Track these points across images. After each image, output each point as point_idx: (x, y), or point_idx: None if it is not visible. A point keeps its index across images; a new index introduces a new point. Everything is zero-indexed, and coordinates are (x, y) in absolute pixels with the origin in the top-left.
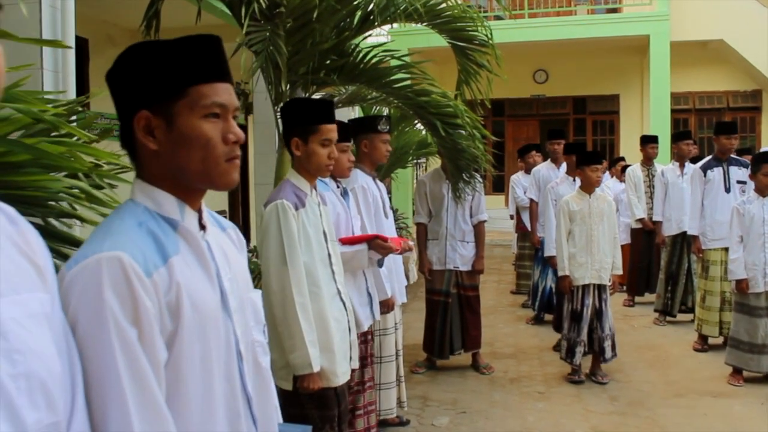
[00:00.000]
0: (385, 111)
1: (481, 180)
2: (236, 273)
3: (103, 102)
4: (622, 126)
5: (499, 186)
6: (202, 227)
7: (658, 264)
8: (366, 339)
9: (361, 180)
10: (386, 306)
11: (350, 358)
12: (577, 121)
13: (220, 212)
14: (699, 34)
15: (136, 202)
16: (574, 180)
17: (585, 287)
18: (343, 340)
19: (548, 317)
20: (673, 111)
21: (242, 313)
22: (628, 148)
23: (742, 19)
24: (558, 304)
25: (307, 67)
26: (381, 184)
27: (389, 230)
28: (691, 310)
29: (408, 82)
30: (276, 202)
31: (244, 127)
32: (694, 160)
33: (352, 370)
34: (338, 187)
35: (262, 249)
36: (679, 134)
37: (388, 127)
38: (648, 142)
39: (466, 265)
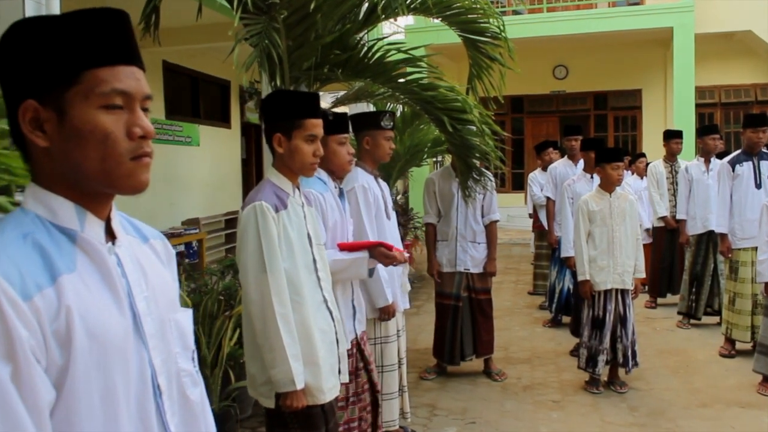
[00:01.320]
0: (398, 108)
1: (491, 178)
2: (156, 291)
3: None
4: (644, 122)
5: (518, 184)
6: (112, 238)
7: (681, 264)
8: (351, 353)
9: (361, 179)
10: (387, 313)
11: (339, 371)
12: (598, 117)
13: (232, 214)
14: (725, 26)
15: (26, 210)
16: (592, 177)
17: (607, 292)
18: (330, 352)
19: (566, 319)
20: (697, 105)
21: (162, 338)
22: (651, 144)
23: None
24: (575, 308)
25: (310, 62)
26: (384, 184)
27: (391, 234)
28: (717, 313)
29: (414, 77)
30: (254, 204)
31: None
32: (720, 156)
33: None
34: (336, 187)
35: (240, 255)
36: (705, 128)
37: (391, 124)
38: (672, 137)
39: (478, 267)
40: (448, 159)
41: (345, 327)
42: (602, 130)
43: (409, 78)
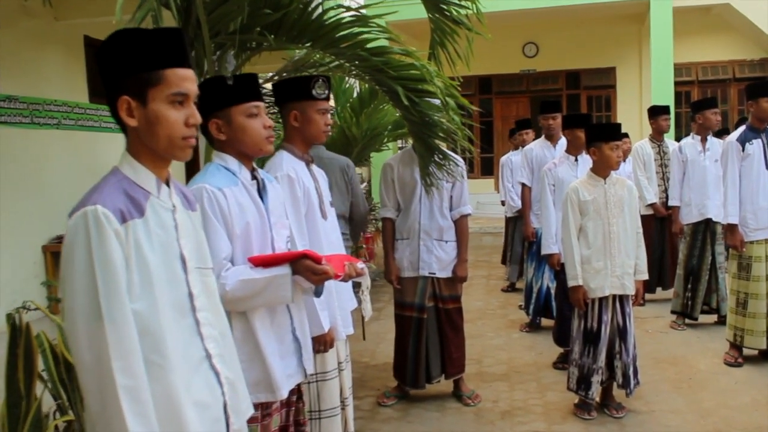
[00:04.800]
0: (354, 86)
1: (460, 163)
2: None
3: (16, 84)
4: (619, 101)
5: (487, 168)
6: None
7: (672, 256)
8: (289, 401)
9: (287, 166)
10: (322, 344)
11: None
12: (571, 96)
13: None
14: None
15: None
16: (576, 160)
17: (602, 300)
18: None
19: (545, 322)
20: (674, 83)
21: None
22: (626, 124)
23: None
24: (559, 312)
25: (236, 24)
26: (319, 172)
27: (327, 238)
28: (715, 311)
29: (362, 38)
30: (85, 210)
31: None
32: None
33: None
34: (253, 178)
35: (62, 292)
36: (703, 102)
37: (326, 92)
38: (659, 113)
39: (445, 271)
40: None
41: (281, 372)
42: (575, 110)
43: (354, 41)
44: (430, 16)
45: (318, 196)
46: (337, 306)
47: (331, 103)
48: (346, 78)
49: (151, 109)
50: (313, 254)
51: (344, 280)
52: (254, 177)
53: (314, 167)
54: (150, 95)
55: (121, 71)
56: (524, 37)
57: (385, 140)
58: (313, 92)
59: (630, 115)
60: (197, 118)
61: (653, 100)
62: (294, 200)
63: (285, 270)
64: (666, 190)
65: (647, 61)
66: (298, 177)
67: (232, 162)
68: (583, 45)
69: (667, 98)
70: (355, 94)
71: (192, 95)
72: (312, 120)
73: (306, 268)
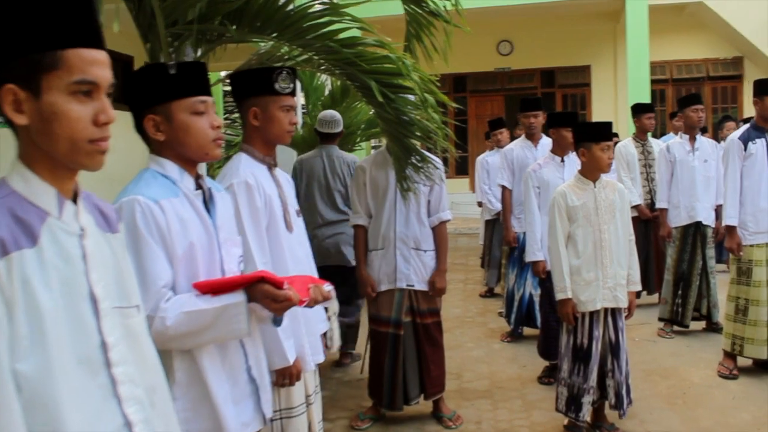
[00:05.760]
0: (326, 83)
1: (439, 165)
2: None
3: None
4: (594, 100)
5: (462, 168)
6: None
7: (657, 259)
8: None
9: (245, 171)
10: (287, 377)
11: None
12: (546, 95)
13: None
14: None
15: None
16: (562, 161)
17: (593, 313)
18: None
19: (527, 331)
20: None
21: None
22: None
23: None
24: (544, 322)
25: (194, 12)
26: (284, 177)
27: (293, 256)
28: (705, 318)
29: (331, 27)
30: None
31: None
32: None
33: None
34: (198, 187)
35: None
36: (686, 98)
37: (291, 86)
38: (642, 111)
39: (424, 283)
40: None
41: (234, 421)
42: (550, 109)
43: (323, 31)
44: (406, 7)
45: (282, 204)
46: (305, 332)
47: (301, 99)
48: (318, 74)
49: (46, 101)
50: (272, 277)
51: (309, 305)
52: (199, 186)
53: (279, 171)
54: (44, 83)
55: (2, 52)
56: (499, 35)
57: (359, 140)
58: (276, 86)
59: (605, 113)
60: (110, 115)
61: (630, 99)
62: (253, 211)
63: (239, 297)
64: (650, 191)
65: (622, 59)
66: (258, 183)
67: (172, 168)
68: (558, 43)
69: (644, 96)
70: (327, 92)
71: (104, 84)
72: (274, 118)
73: (264, 294)
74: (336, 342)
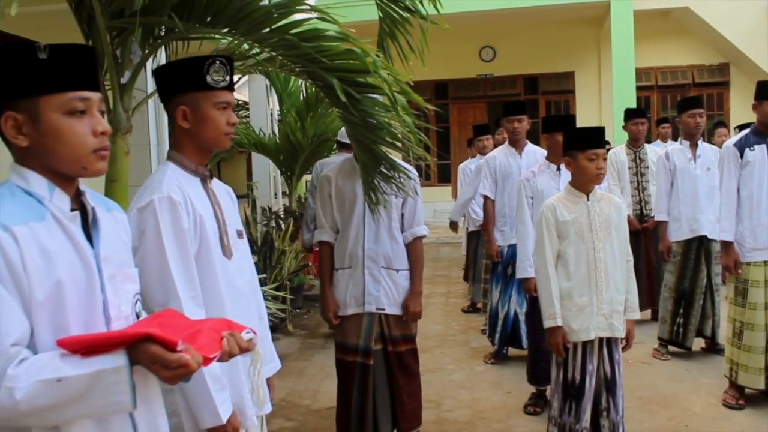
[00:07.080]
0: (301, 88)
1: (412, 175)
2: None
3: None
4: (578, 106)
5: (444, 176)
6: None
7: (648, 273)
8: None
9: (168, 185)
10: None
11: None
12: (529, 102)
13: None
14: (661, 2)
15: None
16: (558, 169)
17: (587, 344)
18: None
19: (512, 352)
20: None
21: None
22: None
23: None
24: (533, 345)
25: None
26: (224, 189)
27: (230, 285)
28: (709, 338)
29: (288, 19)
30: None
31: None
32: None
33: None
34: (79, 206)
35: None
36: (684, 102)
37: (227, 79)
38: (633, 116)
39: (396, 307)
40: None
41: None
42: (534, 116)
43: (280, 24)
44: (378, 2)
45: (219, 225)
46: (246, 377)
47: (274, 105)
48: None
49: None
50: (162, 336)
51: (222, 359)
52: (81, 205)
53: (216, 183)
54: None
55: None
56: (481, 41)
57: (334, 147)
58: (208, 79)
59: (589, 120)
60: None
61: (615, 105)
62: (178, 233)
63: (118, 361)
64: (640, 201)
65: (606, 65)
66: (187, 199)
67: (39, 182)
68: (541, 49)
69: (630, 102)
70: (301, 97)
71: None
72: (207, 118)
73: (151, 357)
74: (266, 407)
